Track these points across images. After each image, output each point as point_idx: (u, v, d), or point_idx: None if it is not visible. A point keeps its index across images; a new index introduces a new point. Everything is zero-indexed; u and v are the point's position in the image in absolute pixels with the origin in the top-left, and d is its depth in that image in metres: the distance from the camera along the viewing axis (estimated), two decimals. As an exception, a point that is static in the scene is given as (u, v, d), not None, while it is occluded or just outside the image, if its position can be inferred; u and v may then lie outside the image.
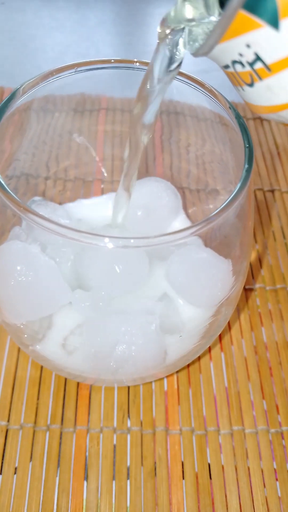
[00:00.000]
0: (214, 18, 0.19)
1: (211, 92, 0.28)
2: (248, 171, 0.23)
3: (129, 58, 0.31)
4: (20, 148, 0.31)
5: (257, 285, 0.40)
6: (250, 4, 0.17)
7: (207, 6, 0.19)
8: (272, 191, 0.46)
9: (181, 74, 0.28)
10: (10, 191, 0.23)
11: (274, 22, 0.17)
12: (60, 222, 0.21)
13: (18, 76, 0.58)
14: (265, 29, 0.17)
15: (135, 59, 0.32)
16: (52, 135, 0.34)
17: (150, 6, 0.70)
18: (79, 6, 0.69)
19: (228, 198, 0.22)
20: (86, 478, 0.31)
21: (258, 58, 0.18)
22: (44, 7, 0.69)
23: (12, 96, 0.27)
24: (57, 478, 0.31)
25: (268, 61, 0.18)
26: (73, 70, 0.28)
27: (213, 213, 0.22)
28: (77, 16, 0.68)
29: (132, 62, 0.29)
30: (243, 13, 0.17)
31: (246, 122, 0.51)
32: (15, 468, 0.31)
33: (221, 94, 0.27)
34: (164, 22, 0.22)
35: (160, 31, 0.22)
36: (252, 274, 0.41)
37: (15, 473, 0.31)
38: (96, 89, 0.36)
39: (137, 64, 0.29)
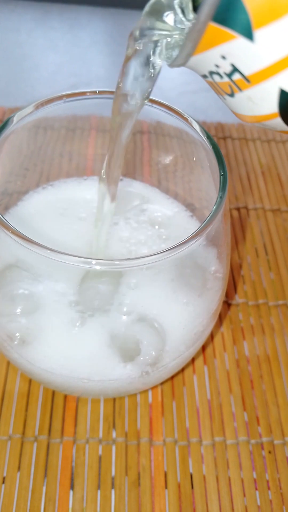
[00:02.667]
0: (185, 28, 0.18)
1: (189, 122, 0.29)
2: (222, 197, 0.24)
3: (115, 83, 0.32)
4: (11, 171, 0.32)
5: (240, 300, 0.42)
6: (220, 16, 0.16)
7: (182, 11, 0.18)
8: (256, 209, 0.48)
9: (166, 106, 0.30)
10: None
11: (247, 34, 0.16)
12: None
13: (12, 94, 0.59)
14: (239, 40, 0.16)
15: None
16: (43, 156, 0.36)
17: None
18: (72, 27, 0.71)
19: (202, 223, 0.24)
20: (72, 487, 0.32)
21: (235, 69, 0.17)
22: (38, 27, 0.71)
23: (4, 126, 0.28)
24: (44, 488, 0.32)
25: (246, 72, 0.17)
26: (62, 101, 0.30)
27: (188, 236, 0.23)
28: (70, 36, 0.70)
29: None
30: (215, 25, 0.16)
31: (231, 142, 0.53)
32: (3, 478, 0.32)
33: (199, 124, 0.29)
34: (134, 36, 0.21)
35: (130, 47, 0.21)
36: (235, 289, 0.42)
37: (3, 482, 0.32)
38: (86, 112, 0.37)
39: None
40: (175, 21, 0.20)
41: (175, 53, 0.20)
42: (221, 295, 0.30)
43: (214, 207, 0.24)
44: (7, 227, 0.24)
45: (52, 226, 0.34)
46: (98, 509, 0.31)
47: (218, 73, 0.18)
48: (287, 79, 0.16)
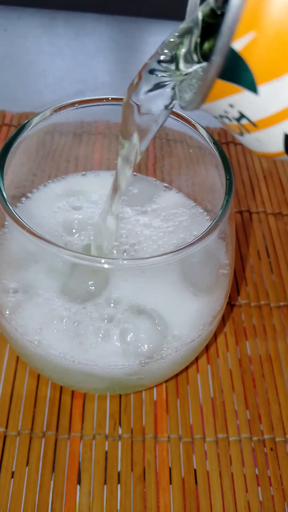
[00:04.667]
0: (193, 73, 0.20)
1: (197, 128, 0.30)
2: (228, 200, 0.25)
3: (124, 87, 0.33)
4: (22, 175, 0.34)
5: (243, 301, 0.43)
6: (226, 74, 0.17)
7: (189, 57, 0.21)
8: (258, 212, 0.49)
9: (176, 114, 0.31)
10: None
11: (252, 88, 0.17)
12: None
13: (20, 100, 0.61)
14: (245, 93, 0.18)
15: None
16: (51, 161, 0.37)
17: (145, 34, 0.74)
18: (78, 34, 0.73)
19: (211, 224, 0.25)
20: (79, 482, 0.33)
21: (243, 115, 0.19)
22: (45, 34, 0.72)
23: (21, 130, 0.29)
24: (52, 482, 0.33)
25: (253, 119, 0.18)
26: (74, 107, 0.31)
27: (197, 237, 0.24)
28: (76, 43, 0.71)
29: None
30: (222, 81, 0.17)
31: (234, 147, 0.54)
32: (12, 472, 0.33)
33: (208, 133, 0.30)
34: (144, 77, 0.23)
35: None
36: (238, 290, 0.43)
37: (12, 477, 0.33)
38: (95, 118, 0.38)
39: None
40: (182, 67, 0.22)
41: (187, 95, 0.22)
42: (226, 293, 0.31)
43: (221, 210, 0.25)
44: (24, 226, 0.25)
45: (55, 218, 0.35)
46: (105, 503, 0.32)
47: (227, 117, 0.19)
48: None
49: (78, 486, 0.33)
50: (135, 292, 0.29)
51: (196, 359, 0.39)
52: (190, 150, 0.33)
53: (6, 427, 0.35)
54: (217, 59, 0.16)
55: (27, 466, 0.33)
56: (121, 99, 0.30)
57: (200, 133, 0.30)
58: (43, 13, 0.74)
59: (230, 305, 0.42)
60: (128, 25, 0.73)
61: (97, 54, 0.70)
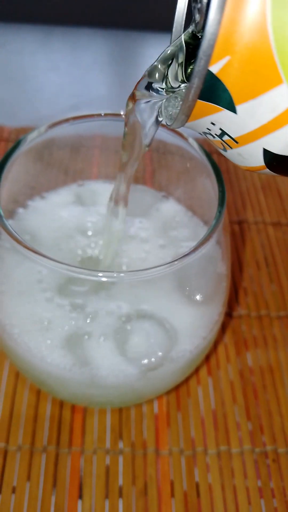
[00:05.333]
0: (178, 93, 0.21)
1: (191, 142, 0.31)
2: (221, 212, 0.25)
3: (120, 101, 0.33)
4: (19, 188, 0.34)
5: (242, 312, 0.43)
6: (207, 94, 0.18)
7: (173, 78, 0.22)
8: (256, 222, 0.49)
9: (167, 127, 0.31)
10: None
11: (231, 108, 0.19)
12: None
13: (16, 115, 0.61)
14: (225, 112, 0.19)
15: (126, 99, 0.34)
16: (48, 175, 0.37)
17: (139, 47, 0.74)
18: (74, 48, 0.73)
19: (204, 235, 0.25)
20: (80, 497, 0.33)
21: (224, 132, 0.20)
22: (41, 49, 0.73)
23: (16, 146, 0.30)
24: (53, 497, 0.32)
25: (234, 135, 0.20)
26: (68, 123, 0.31)
27: (191, 248, 0.24)
28: (71, 58, 0.72)
29: (119, 115, 0.32)
30: (202, 102, 0.19)
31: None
32: (13, 488, 0.33)
33: (199, 145, 0.30)
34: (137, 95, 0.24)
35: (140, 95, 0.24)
36: (238, 301, 0.43)
37: (13, 492, 0.32)
38: (91, 132, 0.38)
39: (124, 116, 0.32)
40: (168, 86, 0.23)
41: (172, 113, 0.24)
42: (224, 302, 0.31)
43: (214, 221, 0.25)
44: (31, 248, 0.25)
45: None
46: (107, 518, 0.32)
47: (211, 134, 0.21)
48: (268, 141, 0.19)
49: (79, 501, 0.33)
50: (134, 300, 0.29)
51: (197, 370, 0.39)
52: (185, 163, 0.33)
53: (7, 442, 0.34)
54: (196, 81, 0.18)
55: (28, 481, 0.33)
56: (114, 114, 0.31)
57: (191, 145, 0.30)
58: (39, 28, 0.75)
59: (230, 315, 0.42)
60: (123, 38, 0.74)
61: (93, 68, 0.70)
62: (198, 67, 0.17)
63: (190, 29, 0.22)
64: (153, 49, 0.73)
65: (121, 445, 0.35)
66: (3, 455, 0.34)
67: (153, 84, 0.23)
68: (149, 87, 0.24)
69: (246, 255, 0.46)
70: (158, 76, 0.23)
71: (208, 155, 0.29)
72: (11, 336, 0.30)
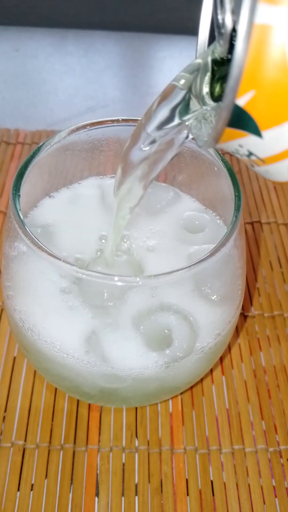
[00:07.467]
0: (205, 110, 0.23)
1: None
2: (237, 216, 0.26)
3: (133, 102, 0.34)
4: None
5: (256, 312, 0.43)
6: (234, 123, 0.20)
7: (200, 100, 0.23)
8: (269, 223, 0.49)
9: None
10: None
11: (257, 133, 0.20)
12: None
13: (32, 118, 0.62)
14: (251, 137, 0.20)
15: (140, 101, 0.34)
16: (64, 179, 0.38)
17: (152, 49, 0.75)
18: (87, 51, 0.74)
19: (221, 239, 0.25)
20: (97, 494, 0.33)
21: (251, 153, 0.22)
22: (55, 53, 0.73)
23: (37, 151, 0.30)
24: (70, 494, 0.33)
25: (261, 156, 0.22)
26: (86, 129, 0.32)
27: (208, 253, 0.25)
28: (85, 61, 0.73)
29: (135, 120, 0.33)
30: (230, 129, 0.20)
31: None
32: (32, 485, 0.33)
33: (217, 151, 0.31)
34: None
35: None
36: (251, 301, 0.44)
37: (31, 489, 0.33)
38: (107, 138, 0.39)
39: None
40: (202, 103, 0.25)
41: (202, 136, 0.25)
42: (239, 303, 0.31)
43: (230, 226, 0.25)
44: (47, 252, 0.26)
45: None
46: (123, 515, 0.33)
47: (239, 154, 0.22)
48: None
49: (96, 498, 0.33)
50: (157, 295, 0.29)
51: (211, 370, 0.39)
52: (204, 166, 0.34)
53: (25, 440, 0.35)
54: (224, 114, 0.19)
55: (46, 478, 0.34)
56: (131, 120, 0.32)
57: (209, 151, 0.31)
58: (53, 32, 0.76)
59: (244, 316, 0.43)
60: (136, 41, 0.75)
61: (107, 71, 0.71)
62: (225, 101, 0.19)
63: (213, 52, 0.24)
64: (165, 51, 0.74)
65: (136, 443, 0.35)
66: (21, 453, 0.35)
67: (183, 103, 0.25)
68: (176, 107, 0.25)
69: (259, 256, 0.47)
70: (183, 83, 0.25)
71: (224, 160, 0.29)
72: (33, 333, 0.30)
